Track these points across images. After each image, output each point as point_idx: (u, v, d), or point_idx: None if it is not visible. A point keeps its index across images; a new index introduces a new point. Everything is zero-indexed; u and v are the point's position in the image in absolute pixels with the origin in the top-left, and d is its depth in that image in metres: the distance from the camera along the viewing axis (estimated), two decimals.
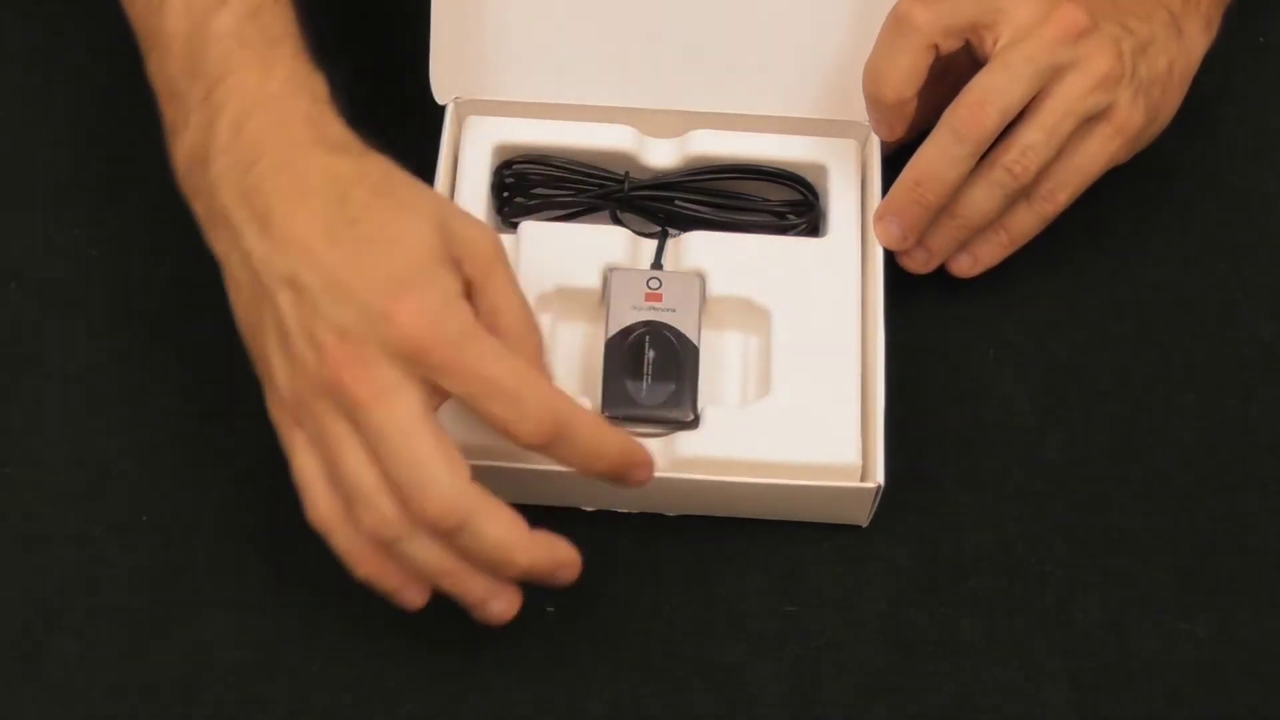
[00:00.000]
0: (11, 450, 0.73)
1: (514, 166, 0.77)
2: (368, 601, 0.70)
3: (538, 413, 0.62)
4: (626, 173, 0.76)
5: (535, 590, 0.70)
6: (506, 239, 0.70)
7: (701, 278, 0.74)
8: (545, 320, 0.73)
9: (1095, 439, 0.74)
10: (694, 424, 0.71)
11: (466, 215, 0.66)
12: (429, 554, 0.63)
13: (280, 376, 0.64)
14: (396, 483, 0.61)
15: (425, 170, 0.72)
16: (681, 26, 0.77)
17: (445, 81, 0.77)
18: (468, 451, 0.69)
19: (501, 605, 0.65)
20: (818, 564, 0.71)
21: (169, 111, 0.68)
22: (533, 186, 0.77)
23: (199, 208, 0.66)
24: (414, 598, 0.65)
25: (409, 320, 0.61)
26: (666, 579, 0.71)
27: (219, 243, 0.66)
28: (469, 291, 0.64)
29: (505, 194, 0.77)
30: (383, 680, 0.69)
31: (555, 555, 0.64)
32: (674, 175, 0.77)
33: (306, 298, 0.62)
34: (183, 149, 0.67)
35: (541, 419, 0.62)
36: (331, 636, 0.69)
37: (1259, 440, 0.75)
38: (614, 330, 0.73)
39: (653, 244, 0.76)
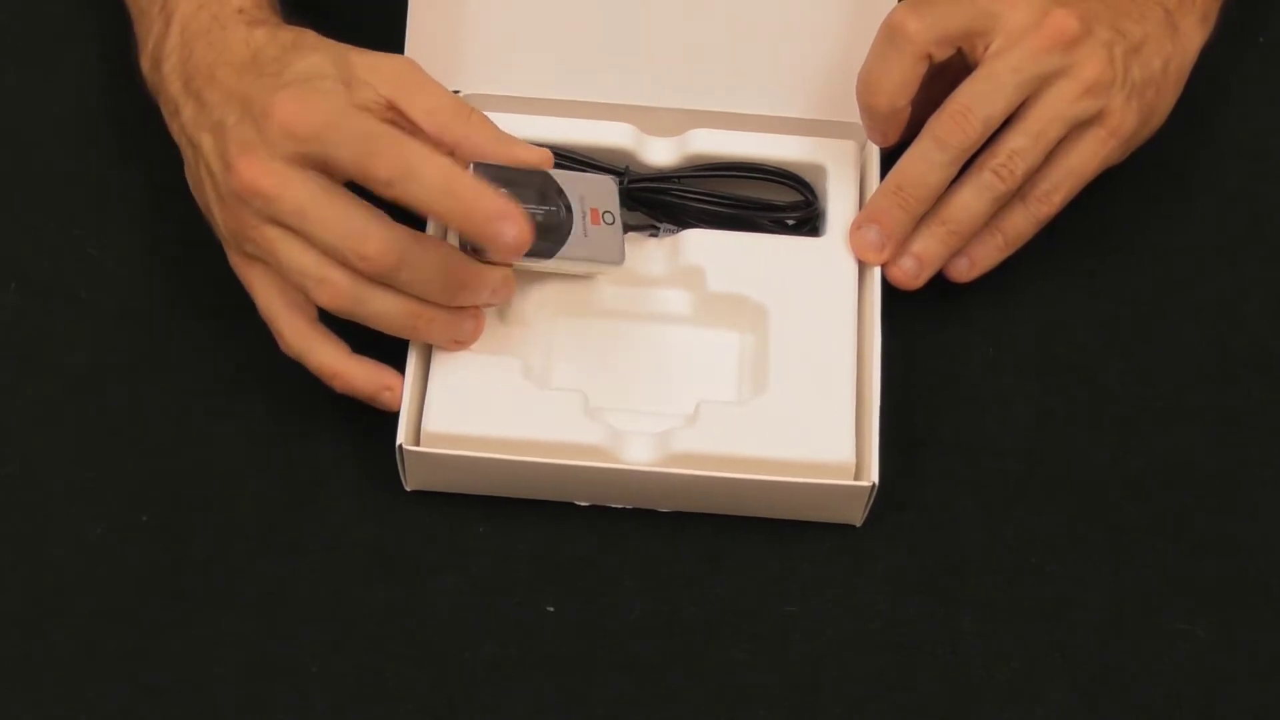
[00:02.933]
0: (11, 450, 0.73)
1: None
2: (367, 601, 0.70)
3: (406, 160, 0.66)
4: (626, 167, 0.76)
5: (535, 590, 0.70)
6: None
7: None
8: (544, 315, 0.74)
9: (1095, 439, 0.74)
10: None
11: (375, 53, 0.69)
12: (390, 305, 0.68)
13: (221, 219, 0.69)
14: (332, 248, 0.66)
15: None
16: (682, 25, 0.77)
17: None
18: (463, 443, 0.69)
19: (472, 323, 0.70)
20: (816, 564, 0.71)
21: (137, 29, 0.76)
22: None
23: (162, 105, 0.73)
24: (393, 398, 0.70)
25: (281, 109, 0.66)
26: (666, 579, 0.71)
27: (174, 132, 0.72)
28: (394, 107, 0.67)
29: None
30: (383, 680, 0.69)
31: (484, 277, 0.69)
32: (673, 173, 0.77)
33: (221, 132, 0.68)
34: (145, 56, 0.74)
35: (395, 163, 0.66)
36: (331, 636, 0.69)
37: (1259, 440, 0.75)
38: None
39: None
